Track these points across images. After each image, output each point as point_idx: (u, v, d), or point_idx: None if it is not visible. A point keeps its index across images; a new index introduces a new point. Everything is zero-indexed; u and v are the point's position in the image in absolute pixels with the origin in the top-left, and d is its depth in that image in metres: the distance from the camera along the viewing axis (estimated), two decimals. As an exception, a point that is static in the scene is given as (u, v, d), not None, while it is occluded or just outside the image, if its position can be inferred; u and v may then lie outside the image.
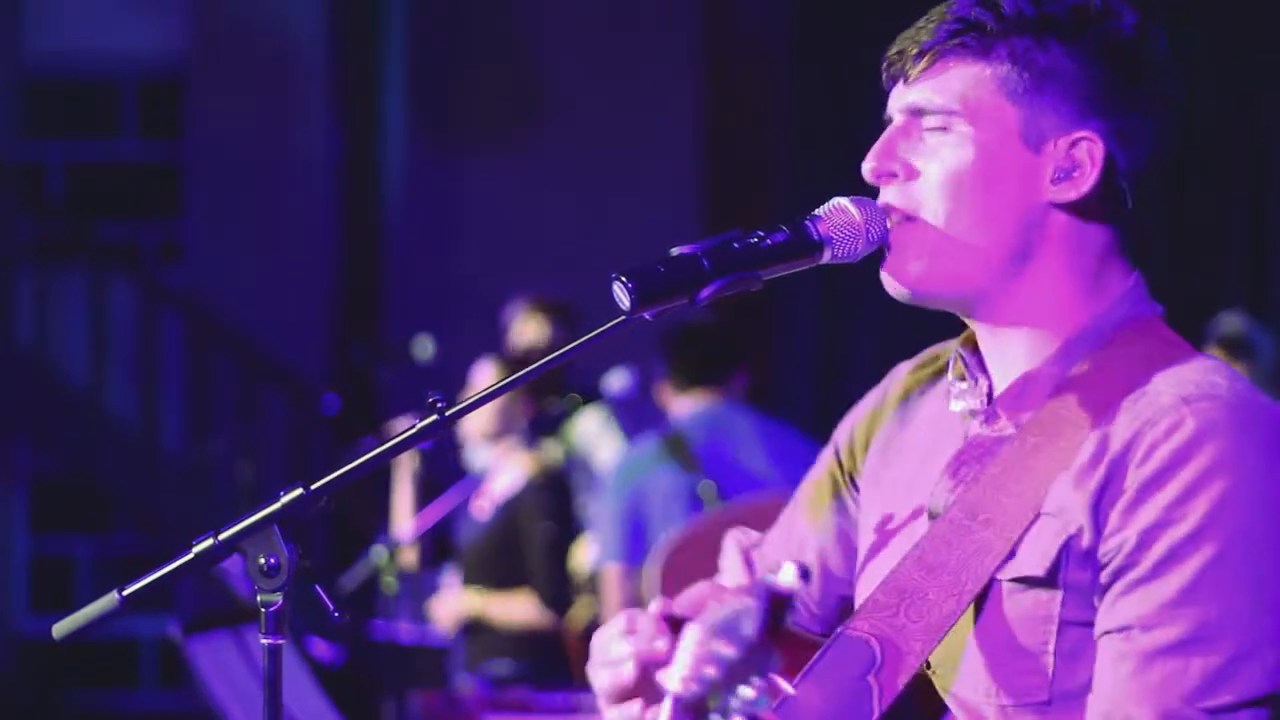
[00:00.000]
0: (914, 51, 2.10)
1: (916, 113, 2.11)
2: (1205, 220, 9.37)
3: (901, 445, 2.25)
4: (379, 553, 6.33)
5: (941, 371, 2.24)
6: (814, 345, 9.66)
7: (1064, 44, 2.07)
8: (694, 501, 5.84)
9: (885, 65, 2.15)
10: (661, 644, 2.04)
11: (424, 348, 7.74)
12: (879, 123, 2.18)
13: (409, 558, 6.53)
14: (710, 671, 1.80)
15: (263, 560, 2.02)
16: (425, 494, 6.67)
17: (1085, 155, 2.08)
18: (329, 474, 2.05)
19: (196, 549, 2.04)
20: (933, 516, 2.13)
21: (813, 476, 2.35)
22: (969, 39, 2.08)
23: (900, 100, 2.13)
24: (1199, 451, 1.97)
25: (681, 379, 6.04)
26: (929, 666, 2.10)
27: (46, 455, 10.44)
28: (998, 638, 2.05)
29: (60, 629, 2.06)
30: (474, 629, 6.46)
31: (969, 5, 2.09)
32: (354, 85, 10.74)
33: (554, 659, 6.38)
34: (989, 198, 2.08)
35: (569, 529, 6.54)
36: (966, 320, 2.17)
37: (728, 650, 1.77)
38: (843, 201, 2.12)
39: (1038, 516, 2.03)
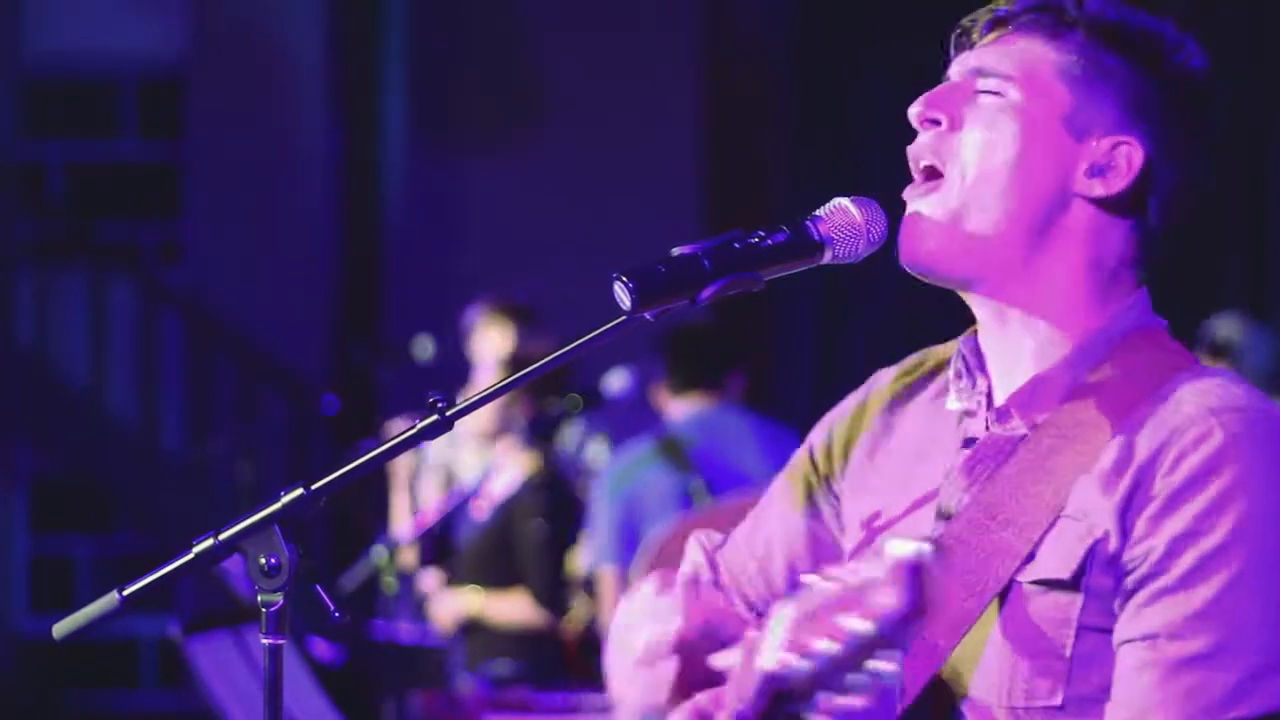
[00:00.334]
0: (987, 19, 2.14)
1: (976, 72, 2.13)
2: (1205, 220, 9.36)
3: (890, 448, 2.25)
4: (379, 553, 6.33)
5: (929, 375, 2.25)
6: (813, 346, 9.65)
7: (1129, 55, 2.11)
8: (686, 502, 5.84)
9: (955, 33, 2.18)
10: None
11: (424, 348, 7.73)
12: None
13: (408, 558, 6.53)
14: (829, 648, 1.71)
15: (263, 560, 2.01)
16: (424, 495, 6.67)
17: (1123, 159, 2.10)
18: (329, 474, 2.05)
19: (197, 549, 2.04)
20: (945, 516, 2.13)
21: (784, 477, 2.35)
22: (1045, 18, 2.12)
23: (963, 64, 2.16)
24: (1227, 464, 1.99)
25: (678, 382, 6.04)
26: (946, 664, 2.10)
27: (46, 455, 10.44)
28: (1015, 639, 2.05)
29: (60, 629, 2.06)
30: (472, 629, 6.46)
31: None
32: (354, 85, 10.74)
33: (552, 658, 6.38)
34: (1021, 169, 2.10)
35: (566, 529, 6.54)
36: (974, 305, 2.17)
37: (861, 625, 1.68)
38: (844, 202, 2.12)
39: (1058, 518, 2.04)
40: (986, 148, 2.10)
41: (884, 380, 2.31)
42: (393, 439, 2.07)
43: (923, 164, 2.13)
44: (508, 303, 7.15)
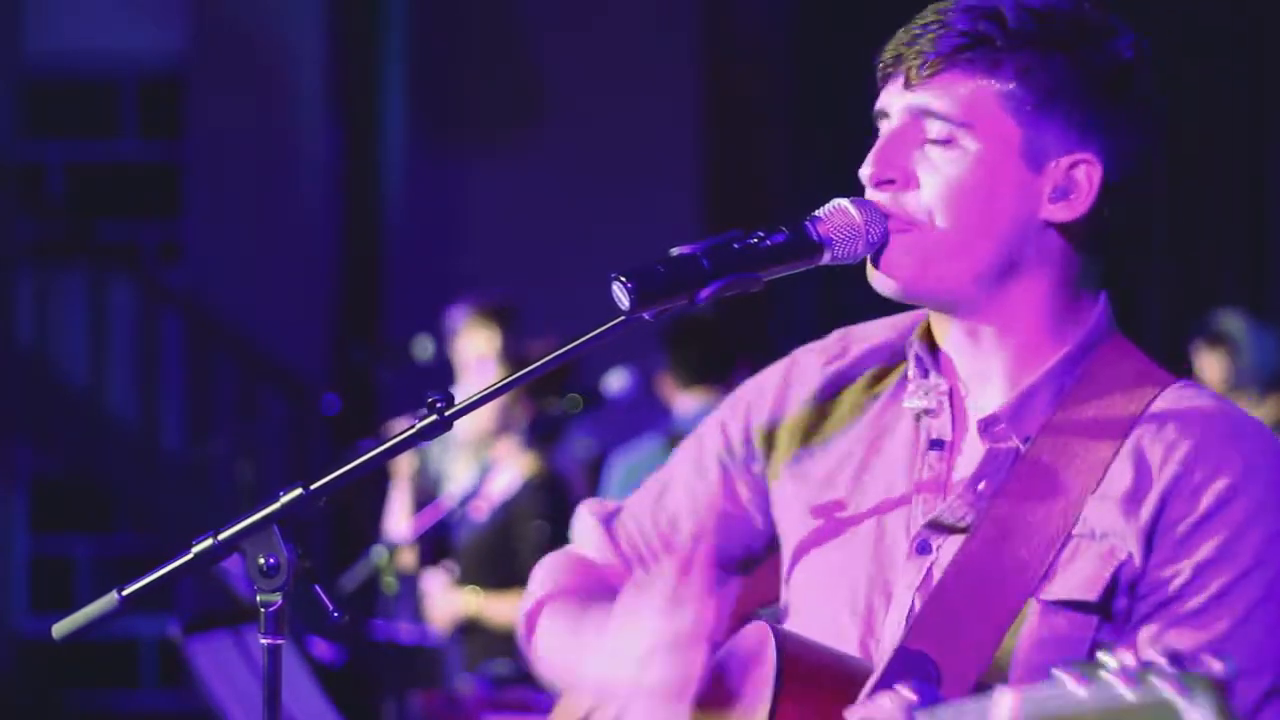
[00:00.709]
0: (917, 60, 2.10)
1: (921, 115, 2.11)
2: (1205, 220, 9.37)
3: (832, 437, 2.24)
4: (379, 553, 6.32)
5: (859, 362, 2.26)
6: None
7: (1067, 63, 2.09)
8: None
9: (881, 65, 2.15)
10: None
11: (424, 348, 7.72)
12: (874, 125, 2.18)
13: (408, 558, 6.52)
14: None
15: (262, 560, 2.02)
16: (423, 495, 6.67)
17: (1084, 178, 2.10)
18: (328, 474, 2.05)
19: (196, 549, 2.04)
20: (944, 527, 2.12)
21: (690, 454, 2.33)
22: (975, 54, 2.09)
23: (901, 101, 2.12)
24: (1247, 490, 2.04)
25: (683, 376, 6.03)
26: None
27: (46, 455, 10.44)
28: (1031, 655, 2.06)
29: (60, 629, 2.06)
30: (470, 629, 6.45)
31: (973, 17, 2.09)
32: (354, 85, 10.74)
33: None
34: (987, 212, 2.09)
35: (565, 529, 6.52)
36: (945, 321, 2.17)
37: None
38: (843, 203, 2.12)
39: (1070, 536, 2.06)
40: (948, 200, 2.09)
41: (808, 365, 2.30)
42: (392, 439, 2.07)
43: (895, 225, 2.11)
44: (491, 304, 7.14)
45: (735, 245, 2.08)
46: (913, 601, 2.11)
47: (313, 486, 2.04)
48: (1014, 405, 2.12)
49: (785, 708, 2.01)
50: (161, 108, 10.66)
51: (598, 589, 2.32)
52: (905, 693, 1.78)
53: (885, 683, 2.03)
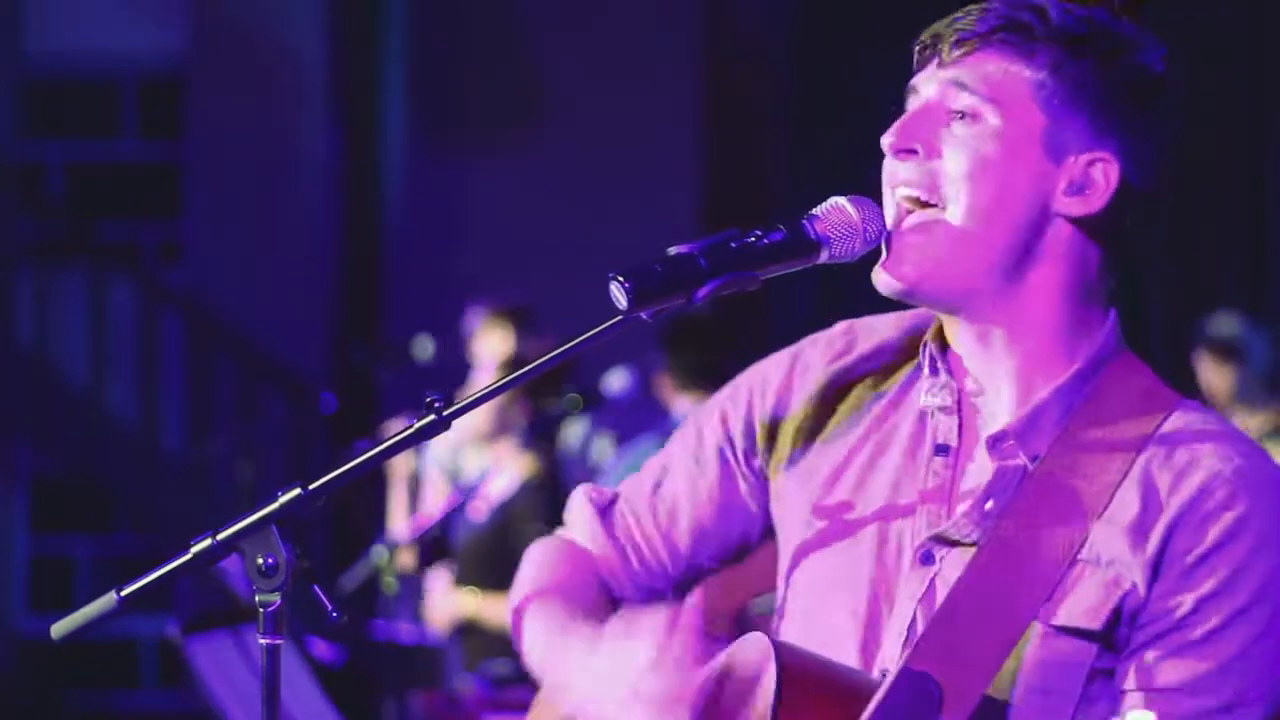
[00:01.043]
0: (953, 37, 2.12)
1: (950, 89, 2.11)
2: (1205, 220, 9.37)
3: (837, 436, 2.23)
4: (379, 553, 6.32)
5: (868, 358, 2.25)
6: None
7: (1098, 64, 2.10)
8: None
9: (919, 47, 2.16)
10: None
11: (424, 348, 7.73)
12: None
13: (407, 559, 6.53)
14: None
15: (261, 560, 2.01)
16: (422, 496, 6.67)
17: (1101, 176, 2.10)
18: (327, 474, 2.05)
19: (195, 549, 2.04)
20: (950, 542, 2.12)
21: (689, 443, 2.32)
22: (1013, 36, 2.10)
23: (933, 79, 2.13)
24: (1252, 527, 2.05)
25: (680, 377, 6.03)
26: None
27: (46, 455, 10.44)
28: (1028, 679, 2.06)
29: (59, 629, 2.06)
30: (469, 630, 6.45)
31: (1016, 7, 2.11)
32: (354, 85, 10.74)
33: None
34: (1003, 192, 2.09)
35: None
36: (955, 324, 2.16)
37: None
38: (840, 201, 2.12)
39: (1075, 561, 2.06)
40: (969, 176, 2.09)
41: (812, 360, 2.29)
42: (390, 439, 2.07)
43: (907, 195, 2.11)
44: (507, 305, 7.16)
45: (732, 244, 2.08)
46: (914, 612, 2.11)
47: (311, 486, 2.03)
48: (1023, 422, 2.12)
49: None
50: (161, 108, 10.66)
51: (588, 584, 2.31)
52: None
53: (889, 702, 2.03)
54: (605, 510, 2.35)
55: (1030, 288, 2.11)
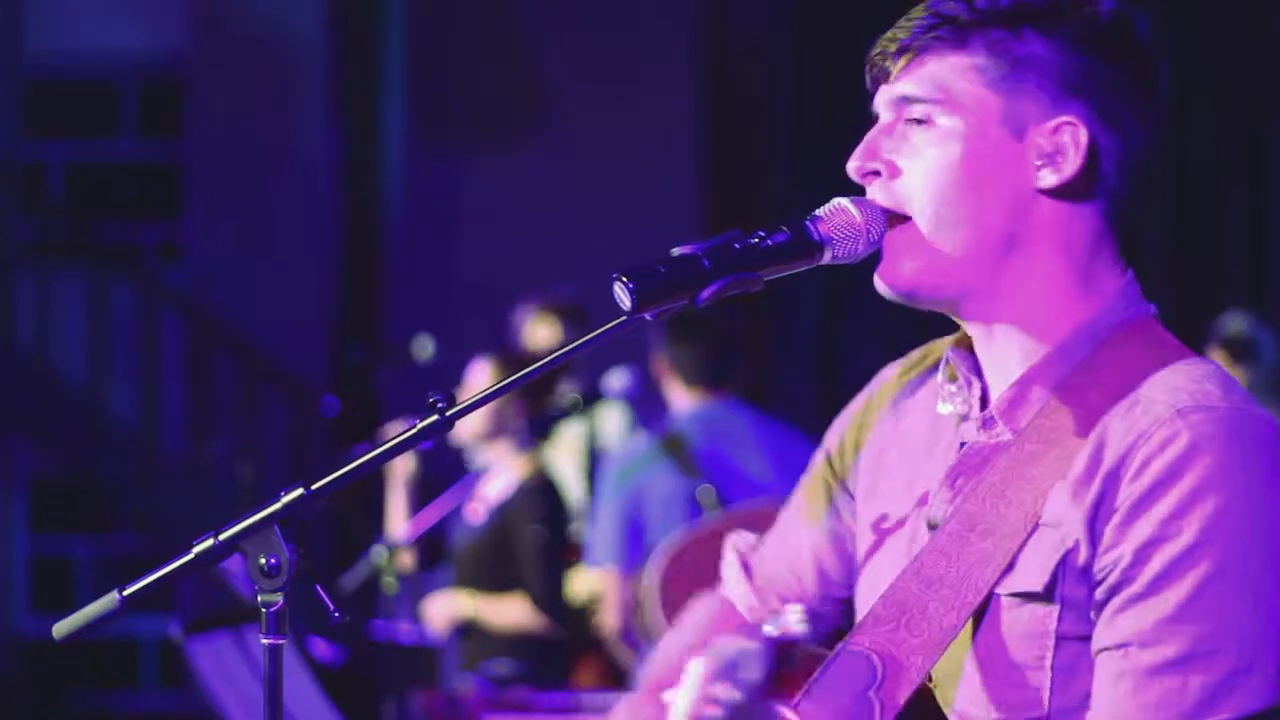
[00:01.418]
0: (893, 50, 2.11)
1: (900, 104, 2.11)
2: (1205, 220, 9.37)
3: (895, 445, 2.24)
4: (379, 553, 6.32)
5: (932, 368, 2.24)
6: (814, 345, 9.66)
7: (1039, 31, 2.07)
8: (692, 506, 5.82)
9: (868, 68, 2.15)
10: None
11: (424, 348, 7.73)
12: (874, 124, 2.18)
13: (406, 559, 6.53)
14: (713, 713, 1.83)
15: (263, 560, 2.01)
16: (421, 496, 6.67)
17: (1068, 139, 2.07)
18: (329, 474, 2.05)
19: (197, 549, 2.04)
20: (931, 527, 2.12)
21: (806, 481, 2.35)
22: (944, 31, 2.08)
23: (884, 96, 2.13)
24: (1192, 465, 1.96)
25: (682, 376, 6.03)
26: (930, 681, 2.09)
27: (46, 455, 10.44)
28: (996, 652, 2.04)
29: (60, 629, 2.06)
30: (467, 631, 6.45)
31: (942, 2, 2.10)
32: (354, 85, 10.74)
33: (550, 659, 6.38)
34: (975, 189, 2.07)
35: (561, 532, 6.53)
36: (960, 322, 2.16)
37: (731, 693, 1.78)
38: (843, 202, 2.12)
39: (1036, 526, 2.03)
40: (933, 184, 2.07)
41: (889, 376, 2.30)
42: (393, 439, 2.07)
43: (885, 218, 2.11)
44: (557, 301, 7.19)
45: (736, 245, 2.08)
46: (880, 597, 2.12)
47: (314, 487, 2.03)
48: (1007, 398, 2.10)
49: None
50: (161, 108, 10.66)
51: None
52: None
53: (822, 679, 2.04)
54: (745, 559, 2.37)
55: (1024, 273, 2.09)
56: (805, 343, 9.67)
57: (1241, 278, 9.28)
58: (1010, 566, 2.03)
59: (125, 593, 2.03)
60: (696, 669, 1.83)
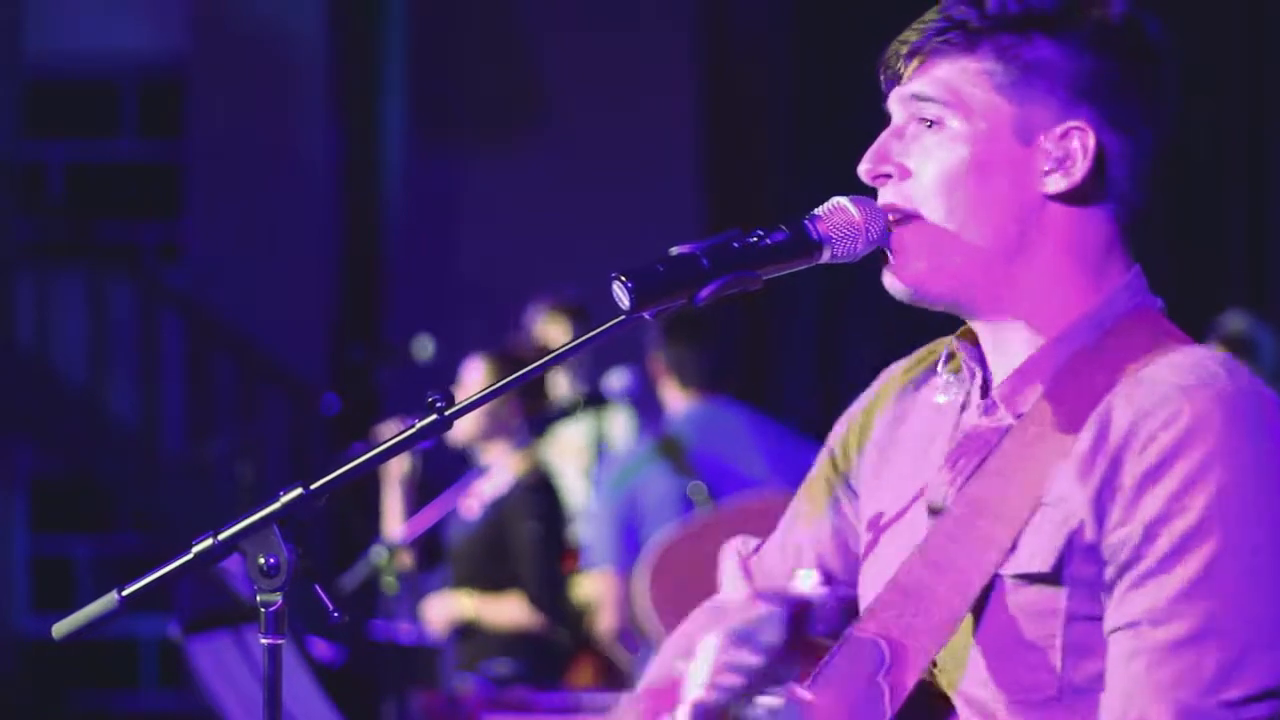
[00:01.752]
0: (905, 52, 2.12)
1: (911, 103, 2.12)
2: (1205, 220, 9.37)
3: (898, 440, 2.24)
4: (379, 553, 6.32)
5: (933, 366, 2.24)
6: (814, 345, 9.65)
7: (1050, 36, 2.08)
8: (686, 504, 5.82)
9: (881, 70, 2.16)
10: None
11: (424, 348, 7.74)
12: (878, 123, 2.19)
13: (406, 559, 6.52)
14: (733, 679, 1.82)
15: (262, 560, 2.01)
16: (419, 496, 6.66)
17: (1077, 145, 2.08)
18: (329, 474, 2.05)
19: (196, 549, 2.04)
20: (933, 511, 2.12)
21: (809, 481, 2.35)
22: (954, 35, 2.09)
23: (897, 97, 2.14)
24: (1197, 441, 1.96)
25: (678, 377, 6.03)
26: (935, 665, 2.09)
27: (46, 455, 10.44)
28: (1004, 634, 2.04)
29: (60, 629, 2.06)
30: (465, 632, 6.45)
31: (954, 4, 2.11)
32: (354, 85, 10.74)
33: (548, 659, 6.37)
34: (984, 193, 2.08)
35: (558, 530, 6.53)
36: (966, 319, 2.17)
37: (751, 658, 1.77)
38: (842, 201, 2.12)
39: (1038, 507, 2.03)
40: (944, 185, 2.08)
41: (894, 372, 2.30)
42: (393, 438, 2.06)
43: (894, 218, 2.11)
44: (567, 300, 7.20)
45: (734, 244, 2.08)
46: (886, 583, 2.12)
47: (313, 486, 2.03)
48: (1008, 383, 2.11)
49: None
50: (161, 108, 10.66)
51: None
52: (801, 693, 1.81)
53: (831, 665, 2.04)
54: (745, 562, 2.37)
55: (1035, 274, 2.10)
56: (805, 343, 9.67)
57: (1241, 277, 9.28)
58: (1014, 548, 2.03)
59: (125, 592, 2.03)
60: (713, 639, 1.82)
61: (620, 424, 7.05)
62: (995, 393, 2.12)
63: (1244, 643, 1.93)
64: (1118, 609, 1.98)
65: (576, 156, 10.23)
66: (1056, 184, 2.08)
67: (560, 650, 6.46)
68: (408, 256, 10.56)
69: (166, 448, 10.27)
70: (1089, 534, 2.00)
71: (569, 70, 10.32)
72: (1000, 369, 2.14)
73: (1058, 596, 2.01)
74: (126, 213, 10.74)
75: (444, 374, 6.82)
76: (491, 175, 10.35)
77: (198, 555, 2.04)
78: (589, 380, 6.72)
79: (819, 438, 2.38)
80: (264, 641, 2.02)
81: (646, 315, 2.05)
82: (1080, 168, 2.08)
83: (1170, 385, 2.00)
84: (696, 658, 1.92)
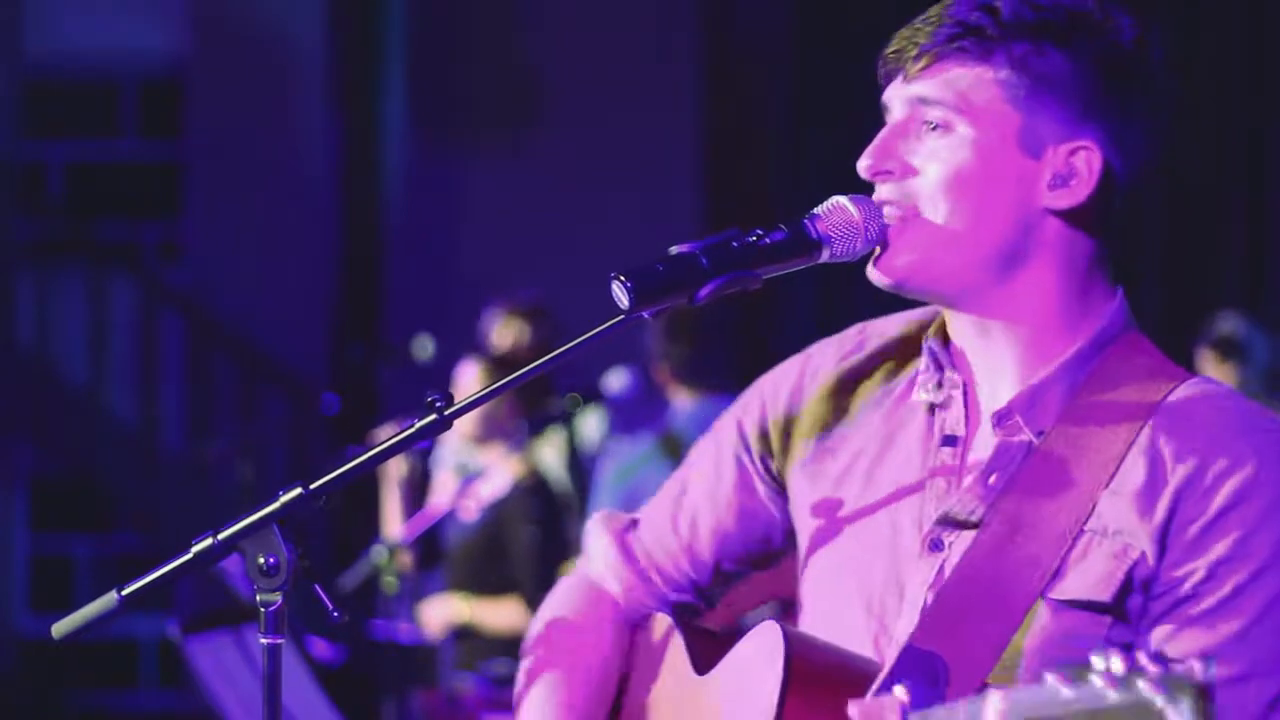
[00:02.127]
0: (913, 52, 2.11)
1: (916, 104, 2.11)
2: (1204, 220, 9.37)
3: (847, 435, 2.24)
4: (379, 553, 6.32)
5: (875, 357, 2.25)
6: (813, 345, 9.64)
7: (1063, 51, 2.08)
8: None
9: (881, 62, 2.15)
10: None
11: (424, 348, 7.74)
12: (878, 122, 2.18)
13: (406, 559, 6.53)
14: None
15: (262, 560, 2.01)
16: (417, 497, 6.66)
17: (1084, 164, 2.09)
18: (328, 473, 2.05)
19: (196, 549, 2.04)
20: (955, 522, 2.12)
21: (707, 454, 2.34)
22: (968, 43, 2.09)
23: (900, 94, 2.13)
24: (1261, 489, 2.02)
25: (679, 375, 6.03)
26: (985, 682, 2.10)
27: (46, 455, 10.44)
28: (1042, 654, 2.05)
29: (60, 629, 2.06)
30: (463, 634, 6.45)
31: (968, 8, 2.10)
32: (354, 85, 10.74)
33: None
34: (986, 199, 2.09)
35: (555, 532, 6.52)
36: (953, 316, 2.17)
37: None
38: (841, 200, 2.12)
39: (1081, 533, 2.05)
40: (946, 188, 2.09)
41: (823, 361, 2.30)
42: (393, 437, 2.06)
43: (895, 216, 2.11)
44: (523, 303, 7.18)
45: (734, 244, 2.08)
46: (925, 599, 2.11)
47: (313, 486, 2.03)
48: (1027, 397, 2.11)
49: (792, 707, 2.02)
50: (161, 108, 10.66)
51: (593, 638, 2.35)
52: (900, 693, 1.79)
53: (891, 681, 2.03)
54: (623, 538, 2.38)
55: (1025, 282, 2.11)
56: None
57: (1238, 280, 9.28)
58: (1059, 573, 2.05)
59: (124, 592, 2.03)
60: None
61: (592, 424, 7.04)
62: (1013, 405, 2.12)
63: None
64: (1169, 641, 2.02)
65: (576, 156, 10.23)
66: (1060, 200, 2.09)
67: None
68: (408, 256, 10.56)
69: (166, 448, 10.27)
70: (1148, 567, 2.03)
71: (569, 70, 10.32)
72: (985, 372, 2.15)
73: (1103, 623, 2.04)
74: (126, 212, 10.74)
75: (444, 374, 6.82)
76: (491, 175, 10.35)
77: (198, 555, 2.04)
78: (586, 380, 6.72)
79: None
80: (264, 641, 2.02)
81: (646, 314, 2.05)
82: (1085, 187, 2.09)
83: (1225, 428, 2.05)
84: None
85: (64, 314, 10.21)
